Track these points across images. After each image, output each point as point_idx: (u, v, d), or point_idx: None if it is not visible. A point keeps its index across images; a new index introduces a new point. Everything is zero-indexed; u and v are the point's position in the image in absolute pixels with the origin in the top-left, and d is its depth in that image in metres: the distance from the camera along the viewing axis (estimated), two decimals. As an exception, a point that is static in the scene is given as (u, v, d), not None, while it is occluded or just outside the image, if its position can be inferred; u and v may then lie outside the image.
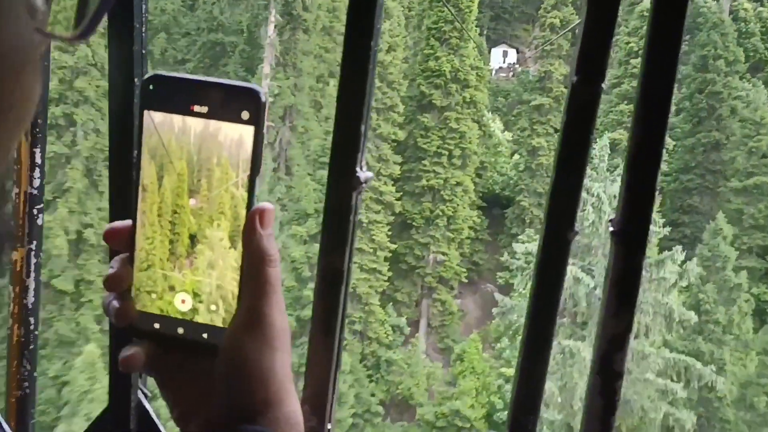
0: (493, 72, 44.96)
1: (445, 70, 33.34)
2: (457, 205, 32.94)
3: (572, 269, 21.29)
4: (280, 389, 0.64)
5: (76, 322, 24.12)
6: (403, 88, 34.07)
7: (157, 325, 0.66)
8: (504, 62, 47.46)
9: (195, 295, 0.65)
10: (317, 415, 1.12)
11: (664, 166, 31.31)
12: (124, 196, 1.10)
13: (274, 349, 0.64)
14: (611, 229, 1.15)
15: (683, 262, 22.70)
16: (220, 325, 0.65)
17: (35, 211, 1.04)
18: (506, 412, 1.18)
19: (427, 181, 33.03)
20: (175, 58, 37.54)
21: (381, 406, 27.68)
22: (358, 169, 1.13)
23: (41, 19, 0.45)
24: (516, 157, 36.77)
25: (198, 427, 0.66)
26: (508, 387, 22.93)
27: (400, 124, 33.35)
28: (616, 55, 35.11)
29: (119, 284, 0.65)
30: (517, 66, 46.87)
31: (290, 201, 29.32)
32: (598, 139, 26.79)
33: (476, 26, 38.43)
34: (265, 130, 0.63)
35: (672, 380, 21.81)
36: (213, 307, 0.65)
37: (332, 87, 32.68)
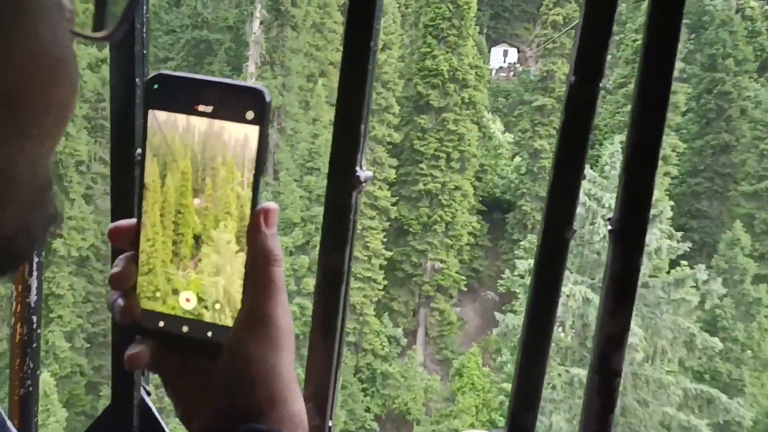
0: (493, 72, 45.16)
1: (442, 70, 33.39)
2: (456, 210, 32.96)
3: (581, 288, 20.78)
4: (285, 388, 0.67)
5: (45, 339, 24.02)
6: (399, 88, 34.11)
7: (161, 324, 0.68)
8: (504, 62, 47.71)
9: (199, 293, 0.68)
10: (318, 413, 1.19)
11: (672, 170, 31.42)
12: (126, 196, 1.16)
13: (278, 348, 0.66)
14: (609, 228, 1.21)
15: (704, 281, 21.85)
16: (225, 323, 0.67)
17: None
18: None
19: (424, 185, 33.03)
20: (157, 57, 37.49)
21: (376, 422, 27.64)
22: (357, 168, 1.20)
23: (69, 18, 0.48)
24: (517, 159, 36.85)
25: (202, 426, 0.70)
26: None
27: (395, 125, 33.38)
28: (622, 53, 35.34)
29: (124, 282, 0.69)
30: (517, 65, 47.13)
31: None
32: (608, 144, 25.57)
33: (475, 24, 38.52)
34: (269, 130, 0.66)
35: (693, 413, 20.77)
36: (217, 306, 0.67)
37: (320, 87, 32.52)
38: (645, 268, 20.92)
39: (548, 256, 1.23)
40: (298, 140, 31.93)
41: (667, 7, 1.19)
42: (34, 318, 1.19)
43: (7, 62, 0.44)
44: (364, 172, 1.21)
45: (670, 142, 32.91)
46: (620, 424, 20.16)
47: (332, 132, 1.21)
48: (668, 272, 22.81)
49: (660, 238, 21.40)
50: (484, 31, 46.37)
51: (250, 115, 0.64)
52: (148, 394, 1.29)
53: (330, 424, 1.19)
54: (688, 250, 22.46)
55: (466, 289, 33.33)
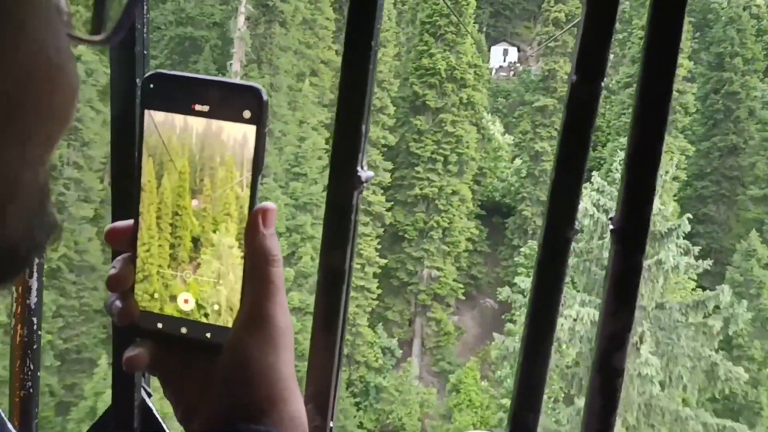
0: (493, 71, 45.39)
1: (440, 69, 33.44)
2: (453, 215, 32.95)
3: (588, 311, 19.69)
4: (285, 389, 0.69)
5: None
6: (394, 87, 34.15)
7: (160, 325, 0.71)
8: (504, 61, 48.00)
9: (198, 294, 0.71)
10: (320, 413, 1.24)
11: (681, 174, 31.54)
12: (126, 197, 1.21)
13: (277, 348, 0.69)
14: (611, 227, 1.27)
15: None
16: (224, 324, 0.70)
17: None
18: None
19: (421, 189, 33.03)
20: (140, 54, 37.49)
21: (369, 438, 27.63)
22: (359, 168, 1.25)
23: (67, 21, 0.50)
24: (517, 162, 36.96)
25: (202, 426, 0.71)
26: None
27: (390, 127, 33.40)
28: (628, 51, 35.53)
29: (121, 284, 0.71)
30: (518, 65, 47.42)
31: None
32: (620, 151, 25.10)
33: (475, 23, 38.64)
34: (266, 130, 0.68)
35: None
36: (216, 307, 0.70)
37: (307, 87, 32.27)
38: (660, 286, 20.23)
39: (550, 257, 1.28)
40: (285, 143, 31.88)
41: (669, 5, 1.24)
42: (35, 319, 1.24)
43: (6, 67, 0.45)
44: (365, 172, 1.26)
45: (679, 145, 32.92)
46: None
47: (333, 132, 1.26)
48: (693, 289, 21.81)
49: (677, 254, 20.46)
50: (484, 29, 46.63)
51: (247, 114, 0.67)
52: (149, 395, 1.34)
53: (331, 424, 1.25)
54: (709, 268, 21.55)
55: (464, 297, 33.36)
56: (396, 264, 32.66)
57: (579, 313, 19.79)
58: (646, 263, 19.90)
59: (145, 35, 1.25)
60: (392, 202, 33.02)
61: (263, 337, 0.69)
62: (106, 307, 0.73)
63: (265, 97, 0.67)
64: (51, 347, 25.94)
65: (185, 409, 0.73)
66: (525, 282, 23.80)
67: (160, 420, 1.33)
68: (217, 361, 0.70)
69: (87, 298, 23.35)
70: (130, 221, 0.71)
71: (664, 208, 21.52)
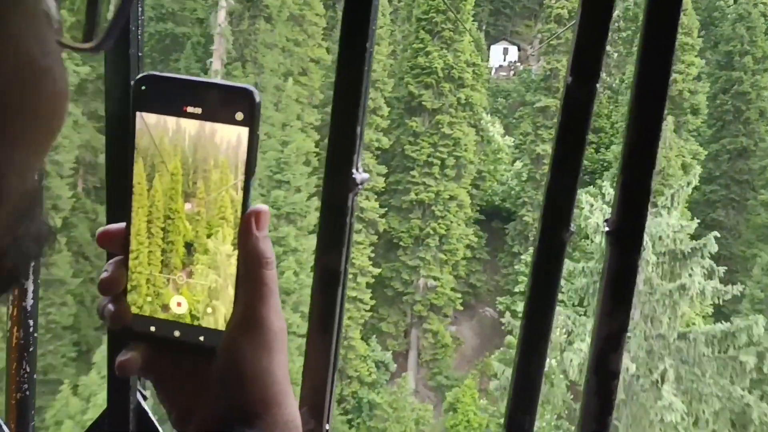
0: (493, 71, 45.60)
1: (437, 67, 33.48)
2: (451, 222, 32.93)
3: None
4: (278, 392, 0.72)
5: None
6: (389, 87, 34.16)
7: (153, 328, 0.74)
8: (504, 60, 48.28)
9: (191, 297, 0.74)
10: (315, 416, 1.30)
11: (693, 180, 31.63)
12: (120, 199, 1.27)
13: (271, 351, 0.72)
14: (606, 229, 1.34)
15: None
16: (217, 327, 0.73)
17: None
18: None
19: (416, 194, 33.03)
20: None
21: (362, 458, 27.58)
22: (354, 170, 1.32)
23: (57, 28, 0.52)
24: (518, 164, 37.03)
25: (195, 430, 0.75)
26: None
27: (384, 129, 33.40)
28: (634, 50, 35.76)
29: (113, 288, 0.74)
30: (518, 64, 47.69)
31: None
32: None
33: (474, 21, 38.74)
34: (259, 131, 0.71)
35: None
36: (209, 310, 0.73)
37: (291, 87, 32.00)
38: (681, 313, 19.17)
39: (545, 259, 1.35)
40: (269, 148, 31.71)
41: (664, 6, 1.31)
42: (31, 322, 1.30)
43: None
44: (360, 174, 1.33)
45: (691, 149, 32.99)
46: None
47: (328, 134, 1.32)
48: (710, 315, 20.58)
49: (702, 277, 19.39)
50: (483, 27, 46.87)
51: (239, 116, 0.70)
52: (145, 398, 1.40)
53: (327, 427, 1.31)
54: (739, 294, 20.38)
55: (462, 308, 33.35)
56: (390, 273, 32.61)
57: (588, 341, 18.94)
58: (666, 288, 18.86)
59: (139, 37, 1.32)
60: (386, 208, 32.95)
61: (257, 340, 0.72)
62: (99, 311, 0.76)
63: (257, 99, 0.70)
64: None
65: (179, 413, 0.76)
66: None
67: (155, 423, 1.39)
68: (210, 365, 0.73)
69: (54, 315, 22.99)
70: (122, 224, 0.74)
71: (687, 225, 20.52)
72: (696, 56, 33.99)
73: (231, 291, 0.73)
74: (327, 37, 36.14)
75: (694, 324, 21.27)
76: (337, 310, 1.31)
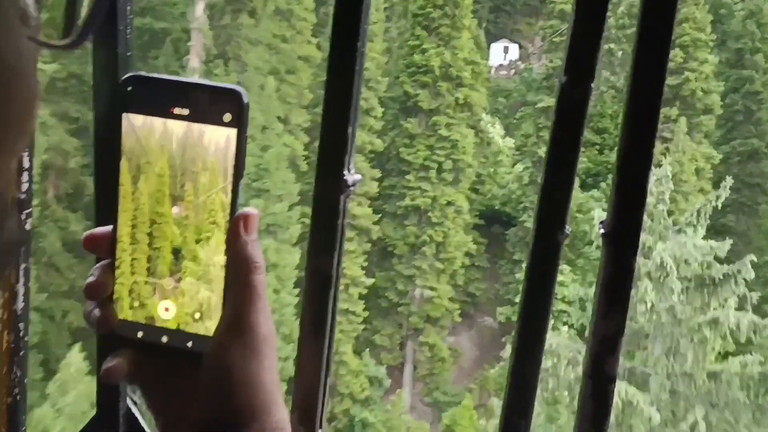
0: (493, 70, 45.79)
1: (433, 66, 33.51)
2: (449, 229, 32.90)
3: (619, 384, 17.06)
4: (268, 398, 0.75)
5: None
6: (383, 87, 34.20)
7: (140, 334, 0.77)
8: (505, 59, 48.56)
9: (179, 302, 0.76)
10: (308, 421, 1.36)
11: (706, 186, 31.57)
12: (109, 202, 1.33)
13: (260, 356, 0.75)
14: (602, 231, 1.40)
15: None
16: (205, 333, 0.76)
17: (24, 216, 1.28)
18: None
19: (412, 200, 33.03)
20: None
21: (354, 481, 27.50)
22: (345, 171, 1.38)
23: (34, 26, 0.53)
24: (519, 167, 37.08)
25: None
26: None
27: (378, 131, 33.41)
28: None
29: (99, 292, 0.77)
30: (519, 63, 47.96)
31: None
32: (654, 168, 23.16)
33: (474, 17, 38.77)
34: (247, 133, 0.73)
35: None
36: (197, 315, 0.76)
37: (271, 86, 31.65)
38: (711, 348, 17.83)
39: (540, 260, 1.41)
40: (248, 153, 31.28)
41: (659, 6, 1.37)
42: (21, 325, 1.36)
43: None
44: (352, 175, 1.39)
45: (704, 152, 32.99)
46: None
47: (320, 135, 1.38)
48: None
49: (736, 309, 18.01)
50: (483, 25, 47.01)
51: (227, 117, 0.72)
52: (135, 403, 1.46)
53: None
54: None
55: (460, 318, 33.34)
56: (385, 283, 32.59)
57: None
58: (695, 322, 17.97)
59: (128, 36, 1.38)
60: (380, 215, 32.94)
61: (245, 346, 0.74)
62: (85, 316, 0.79)
63: (245, 100, 0.72)
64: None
65: (166, 420, 0.79)
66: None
67: (145, 428, 1.45)
68: (198, 371, 0.76)
69: (18, 333, 23.03)
70: (109, 228, 0.77)
71: (717, 246, 19.20)
72: (709, 53, 34.09)
73: (219, 296, 0.76)
74: (317, 32, 36.05)
75: (725, 358, 19.18)
76: (329, 315, 1.36)
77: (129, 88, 0.74)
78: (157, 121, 0.73)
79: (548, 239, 1.40)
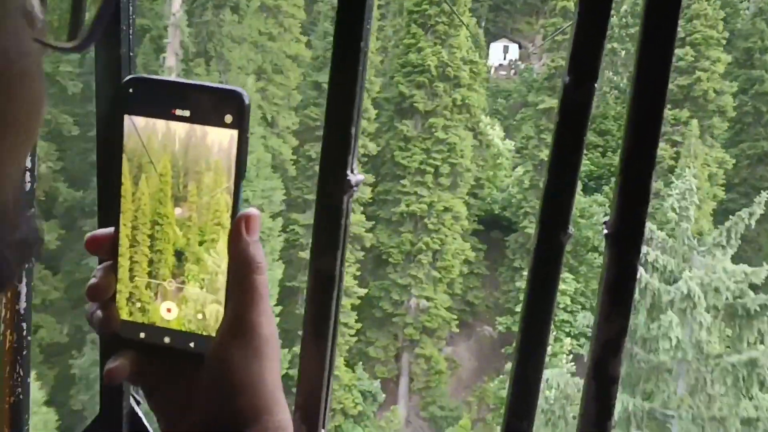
0: (492, 70, 46.01)
1: (430, 65, 33.56)
2: (446, 236, 32.92)
3: (636, 402, 16.80)
4: (270, 398, 0.79)
5: None
6: (376, 87, 34.23)
7: (142, 335, 0.80)
8: (504, 59, 48.85)
9: (181, 303, 0.80)
10: (311, 421, 1.42)
11: (719, 192, 31.42)
12: (111, 203, 1.39)
13: (262, 357, 0.78)
14: (605, 231, 1.46)
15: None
16: (208, 333, 0.79)
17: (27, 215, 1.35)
18: None
19: (407, 206, 33.05)
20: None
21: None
22: (348, 171, 1.45)
23: (40, 28, 0.55)
24: (519, 170, 37.14)
25: None
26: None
27: (372, 134, 33.43)
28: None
29: (102, 294, 0.81)
30: (519, 62, 48.25)
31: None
32: (677, 179, 20.40)
33: (473, 16, 38.83)
34: (248, 134, 0.77)
35: None
36: (200, 316, 0.79)
37: (251, 85, 31.03)
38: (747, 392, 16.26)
39: (543, 261, 1.48)
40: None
41: (663, 6, 1.44)
42: (24, 325, 1.42)
43: None
44: (355, 175, 1.45)
45: (717, 156, 32.75)
46: None
47: (323, 135, 1.45)
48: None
49: None
50: (483, 24, 47.28)
51: (228, 118, 0.75)
52: (138, 403, 1.52)
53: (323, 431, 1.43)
54: None
55: (458, 329, 33.32)
56: (379, 293, 32.57)
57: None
58: (728, 362, 16.73)
59: (131, 37, 1.44)
60: (374, 221, 32.92)
61: (247, 346, 0.78)
62: (87, 317, 0.82)
63: (246, 101, 0.76)
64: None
65: (169, 420, 0.83)
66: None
67: (148, 428, 1.51)
68: (200, 371, 0.79)
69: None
70: (111, 229, 0.80)
71: (752, 272, 17.70)
72: (722, 51, 33.98)
73: (222, 296, 0.79)
74: (307, 30, 35.94)
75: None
76: (333, 315, 1.43)
77: (130, 90, 0.77)
78: (159, 123, 0.76)
79: (551, 240, 1.46)
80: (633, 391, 17.65)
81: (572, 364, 25.06)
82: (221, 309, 0.79)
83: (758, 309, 16.89)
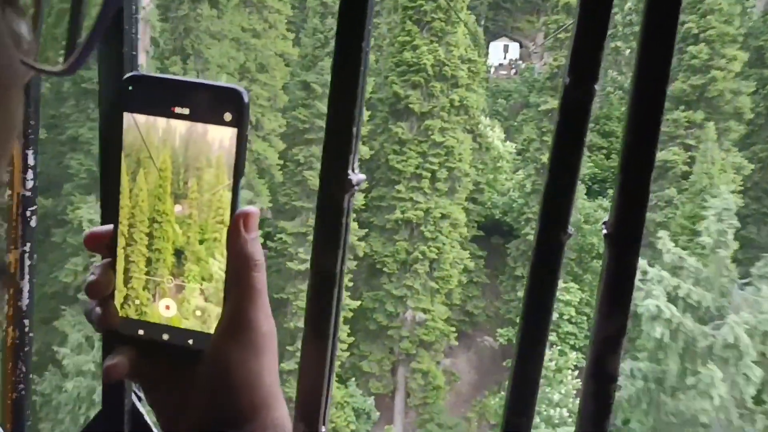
0: (492, 69, 46.22)
1: (426, 64, 33.52)
2: (443, 244, 32.86)
3: None
4: (268, 394, 0.84)
5: None
6: (370, 87, 34.19)
7: (141, 332, 0.85)
8: (505, 58, 49.15)
9: (179, 301, 0.84)
10: (311, 419, 1.51)
11: (738, 200, 31.12)
12: (113, 200, 1.49)
13: (260, 353, 0.83)
14: (604, 231, 1.56)
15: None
16: (206, 330, 0.84)
17: (29, 213, 1.44)
18: None
19: (403, 213, 33.00)
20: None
21: None
22: (350, 171, 1.54)
23: (26, 49, 0.58)
24: (521, 174, 37.16)
25: None
26: None
27: (364, 136, 33.42)
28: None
29: (101, 291, 0.85)
30: (520, 62, 48.53)
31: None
32: (714, 199, 18.23)
33: (472, 14, 38.85)
34: (247, 132, 0.81)
35: None
36: (198, 313, 0.84)
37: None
38: None
39: (543, 261, 1.57)
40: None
41: (664, 6, 1.53)
42: (26, 321, 1.52)
43: None
44: (356, 175, 1.55)
45: (734, 162, 32.25)
46: None
47: (324, 135, 1.55)
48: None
49: None
50: (482, 22, 47.51)
51: (228, 116, 0.80)
52: (140, 399, 1.61)
53: (323, 430, 1.52)
54: None
55: (456, 342, 33.26)
56: (373, 304, 32.48)
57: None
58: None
59: (134, 35, 1.54)
60: (367, 229, 32.90)
61: (245, 343, 0.82)
62: (86, 314, 0.87)
63: (246, 99, 0.80)
64: None
65: (168, 417, 0.88)
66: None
67: (150, 424, 1.60)
68: (199, 368, 0.84)
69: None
70: (110, 226, 0.85)
71: None
72: (738, 49, 33.71)
73: (220, 293, 0.84)
74: (295, 27, 35.75)
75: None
76: (333, 313, 1.52)
77: (130, 87, 0.81)
78: (158, 121, 0.81)
79: (551, 239, 1.56)
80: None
81: (579, 380, 25.04)
82: (220, 306, 0.84)
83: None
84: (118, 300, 0.85)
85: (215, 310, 0.84)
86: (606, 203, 33.48)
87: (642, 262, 15.66)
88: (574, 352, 29.12)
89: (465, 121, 35.02)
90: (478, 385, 33.08)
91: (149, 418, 1.61)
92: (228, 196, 0.82)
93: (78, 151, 27.99)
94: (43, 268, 26.08)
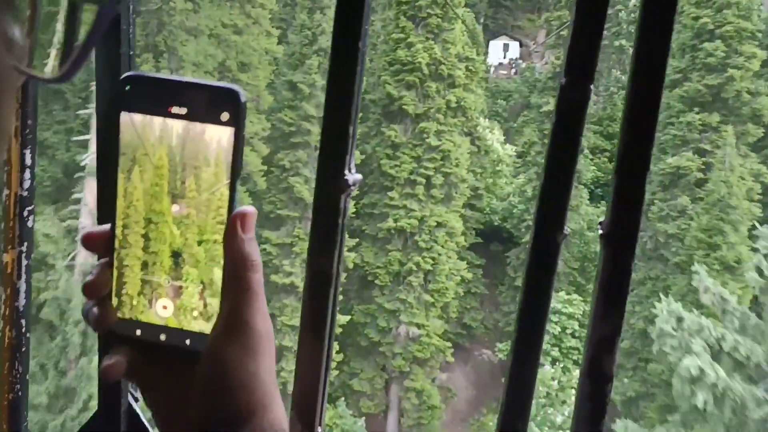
0: (492, 69, 46.43)
1: (421, 63, 33.50)
2: (439, 254, 32.83)
3: None
4: (265, 395, 0.87)
5: None
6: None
7: (138, 332, 0.89)
8: (504, 57, 49.41)
9: (176, 301, 0.88)
10: (307, 420, 1.62)
11: (756, 209, 30.74)
12: (110, 200, 1.59)
13: (257, 354, 0.87)
14: (600, 231, 1.67)
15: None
16: (203, 331, 0.88)
17: (26, 213, 1.54)
18: None
19: (396, 221, 32.94)
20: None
21: None
22: (346, 171, 1.64)
23: (19, 54, 0.60)
24: (521, 179, 37.16)
25: None
26: None
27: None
28: (676, 38, 36.24)
29: (98, 291, 0.89)
30: (520, 61, 48.79)
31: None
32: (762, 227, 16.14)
33: (471, 12, 38.88)
34: (244, 132, 0.85)
35: None
36: (195, 313, 0.88)
37: None
38: None
39: (539, 262, 1.68)
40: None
41: (660, 7, 1.64)
42: (23, 322, 1.61)
43: None
44: (353, 175, 1.66)
45: (753, 168, 32.13)
46: None
47: (320, 135, 1.65)
48: None
49: None
50: (482, 21, 47.77)
51: (225, 116, 0.84)
52: (136, 400, 1.71)
53: (319, 430, 1.63)
54: None
55: (453, 359, 33.21)
56: (364, 319, 32.38)
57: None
58: None
59: (131, 36, 1.64)
60: (358, 239, 32.85)
61: (242, 344, 0.86)
62: (83, 314, 0.91)
63: (243, 99, 0.84)
64: None
65: (165, 417, 0.92)
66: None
67: (146, 425, 1.70)
68: (196, 368, 0.88)
69: None
70: (107, 226, 0.89)
71: None
72: (756, 46, 33.26)
73: (217, 294, 0.88)
74: (282, 22, 35.55)
75: None
76: (329, 314, 1.62)
77: (127, 88, 0.85)
78: (155, 120, 0.85)
79: (547, 241, 1.66)
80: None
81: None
82: (216, 306, 0.88)
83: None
84: (115, 300, 0.90)
85: (212, 311, 0.89)
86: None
87: (675, 306, 14.22)
88: (578, 369, 29.08)
89: (462, 124, 34.98)
90: (476, 402, 32.99)
91: (145, 418, 1.71)
92: (226, 194, 0.86)
93: (42, 156, 27.80)
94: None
